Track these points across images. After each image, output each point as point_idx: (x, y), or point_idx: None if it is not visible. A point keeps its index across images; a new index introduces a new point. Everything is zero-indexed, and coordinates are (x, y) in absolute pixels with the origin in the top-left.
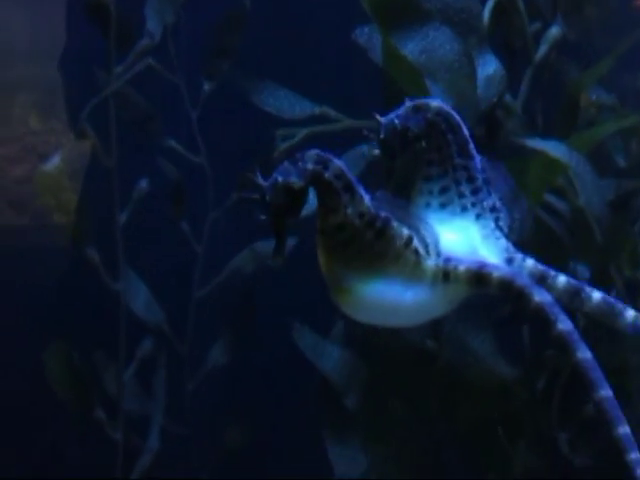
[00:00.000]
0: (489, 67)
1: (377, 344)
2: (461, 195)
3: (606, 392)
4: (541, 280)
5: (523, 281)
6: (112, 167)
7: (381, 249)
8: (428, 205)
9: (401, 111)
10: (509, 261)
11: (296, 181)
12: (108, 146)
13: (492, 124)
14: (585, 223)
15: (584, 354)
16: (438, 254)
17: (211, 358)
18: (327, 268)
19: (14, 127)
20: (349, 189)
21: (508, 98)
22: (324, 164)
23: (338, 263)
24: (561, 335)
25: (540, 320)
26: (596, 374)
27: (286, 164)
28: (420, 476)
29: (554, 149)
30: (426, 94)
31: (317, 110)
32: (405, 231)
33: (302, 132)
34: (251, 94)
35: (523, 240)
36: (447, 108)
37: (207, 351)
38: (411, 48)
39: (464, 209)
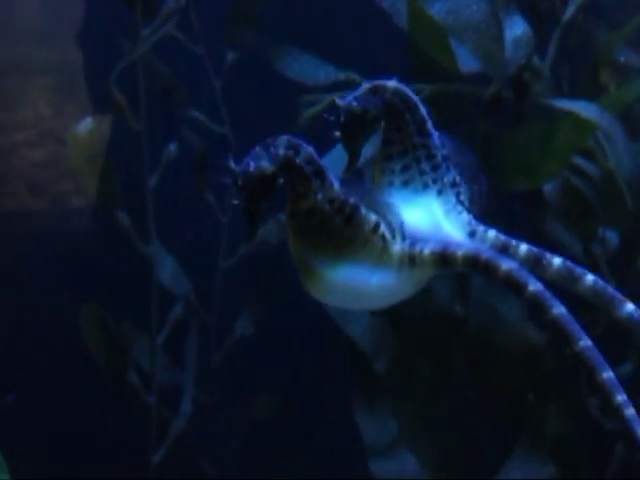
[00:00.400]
0: (517, 29)
1: (406, 310)
2: (422, 172)
3: (585, 342)
4: (503, 250)
5: (487, 254)
6: (141, 131)
7: (350, 234)
8: (391, 184)
9: (359, 93)
10: (472, 234)
11: (268, 166)
12: (136, 111)
13: (520, 86)
14: (615, 186)
15: (558, 309)
16: (404, 238)
17: (238, 328)
18: (296, 252)
19: (31, 112)
20: (319, 175)
21: (536, 60)
22: (295, 149)
23: (307, 247)
24: (534, 296)
25: (511, 287)
26: (573, 326)
27: (257, 149)
28: (450, 440)
29: (584, 110)
30: (452, 57)
31: (342, 75)
32: (373, 217)
33: (327, 98)
34: (274, 61)
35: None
36: (404, 88)
37: (234, 321)
38: (438, 9)
39: (426, 186)
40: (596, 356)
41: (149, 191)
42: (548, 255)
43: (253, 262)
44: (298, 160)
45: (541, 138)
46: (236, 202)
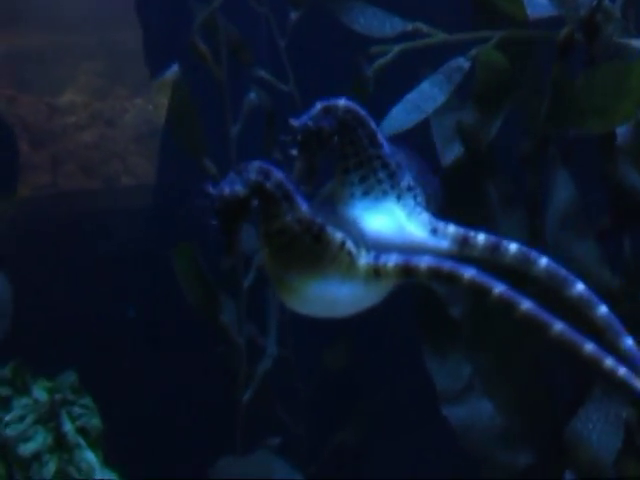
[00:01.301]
0: None
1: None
2: (379, 181)
3: (558, 325)
4: (464, 240)
5: (449, 264)
6: (223, 80)
7: (319, 251)
8: (352, 195)
9: (313, 113)
10: (434, 231)
11: (241, 190)
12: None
13: (592, 28)
14: None
15: (526, 304)
16: (368, 250)
17: (272, 309)
18: (271, 268)
19: (81, 95)
20: (288, 198)
21: (607, 3)
22: (265, 175)
23: (280, 264)
24: (500, 297)
25: (476, 292)
26: (543, 315)
27: (232, 174)
28: (527, 383)
29: None
30: (519, 3)
31: (409, 26)
32: (339, 235)
33: (395, 49)
34: (340, 14)
35: None
36: (353, 105)
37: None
38: None
39: (385, 193)
40: (573, 335)
41: (233, 140)
42: (504, 242)
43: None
44: (268, 184)
45: (615, 79)
46: (214, 223)
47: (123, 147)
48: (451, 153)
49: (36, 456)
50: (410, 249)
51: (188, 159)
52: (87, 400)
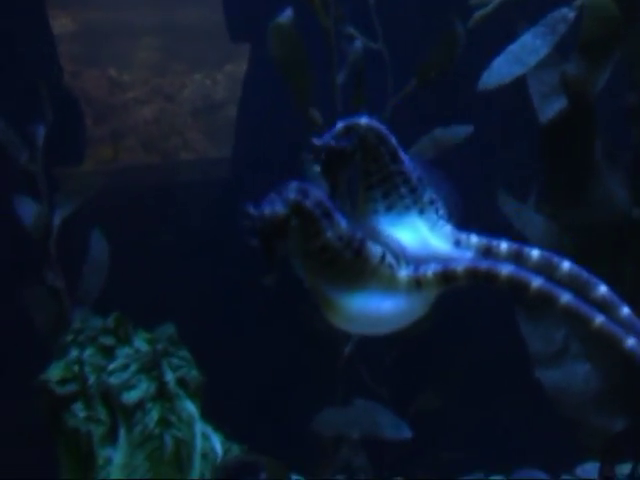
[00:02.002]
0: None
1: (581, 214)
2: (402, 197)
3: (600, 318)
4: (487, 250)
5: (485, 263)
6: (329, 27)
7: (360, 266)
8: (376, 211)
9: (335, 132)
10: (457, 243)
11: (281, 210)
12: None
13: None
14: None
15: (566, 297)
16: (407, 263)
17: None
18: (314, 287)
19: (140, 70)
20: (327, 215)
21: None
22: (304, 194)
23: (323, 281)
24: (540, 290)
25: (515, 287)
26: (585, 308)
27: (272, 195)
28: None
29: None
30: None
31: None
32: (379, 249)
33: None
34: None
35: None
36: (374, 123)
37: None
38: None
39: (407, 208)
40: (614, 328)
41: (338, 88)
42: (527, 248)
43: None
44: (307, 203)
45: None
46: (254, 243)
47: (182, 122)
48: (550, 109)
49: (139, 404)
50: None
51: (265, 129)
52: (185, 352)
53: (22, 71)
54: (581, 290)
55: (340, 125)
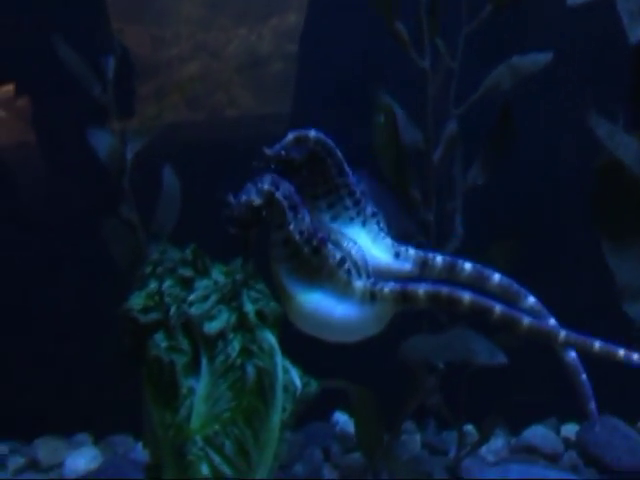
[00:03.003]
0: None
1: None
2: (346, 208)
3: (564, 332)
4: (424, 262)
5: (446, 289)
6: None
7: (317, 265)
8: (320, 221)
9: (285, 143)
10: (397, 255)
11: (256, 199)
12: None
13: None
14: None
15: (526, 320)
16: (368, 276)
17: (470, 177)
18: (275, 276)
19: (184, 26)
20: (294, 208)
21: None
22: (276, 185)
23: (284, 273)
24: (502, 316)
25: (477, 314)
26: (547, 327)
27: (248, 185)
28: None
29: None
30: None
31: None
32: (339, 253)
33: None
34: None
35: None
36: (323, 137)
37: (466, 170)
38: None
39: (351, 219)
40: (579, 337)
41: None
42: (460, 261)
43: (484, 109)
44: (277, 194)
45: None
46: (232, 231)
47: (226, 78)
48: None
49: (221, 334)
50: (377, 272)
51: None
52: (262, 285)
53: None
54: (511, 300)
55: (290, 136)
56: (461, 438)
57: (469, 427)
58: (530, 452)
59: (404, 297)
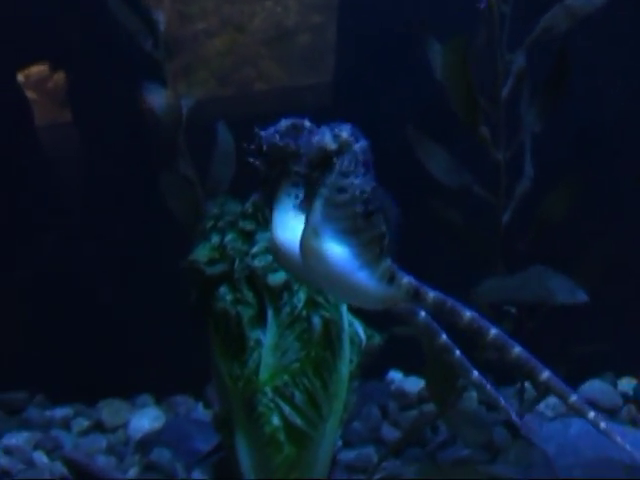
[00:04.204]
0: None
1: None
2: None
3: (546, 373)
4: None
5: (451, 301)
6: None
7: (360, 226)
8: (295, 207)
9: (280, 127)
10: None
11: (330, 143)
12: None
13: None
14: None
15: (517, 349)
16: (392, 262)
17: (526, 124)
18: (314, 215)
19: (210, 1)
20: (366, 165)
21: None
22: (356, 137)
23: (323, 214)
24: (494, 340)
25: (473, 333)
26: (533, 361)
27: (324, 128)
28: None
29: None
30: None
31: None
32: (384, 228)
33: None
34: None
35: None
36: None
37: (521, 117)
38: None
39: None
40: (559, 383)
41: None
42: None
43: (539, 52)
44: (356, 147)
45: None
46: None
47: (254, 52)
48: None
49: (286, 286)
50: None
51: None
52: None
53: None
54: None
55: (286, 122)
56: (522, 393)
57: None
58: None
59: (415, 293)
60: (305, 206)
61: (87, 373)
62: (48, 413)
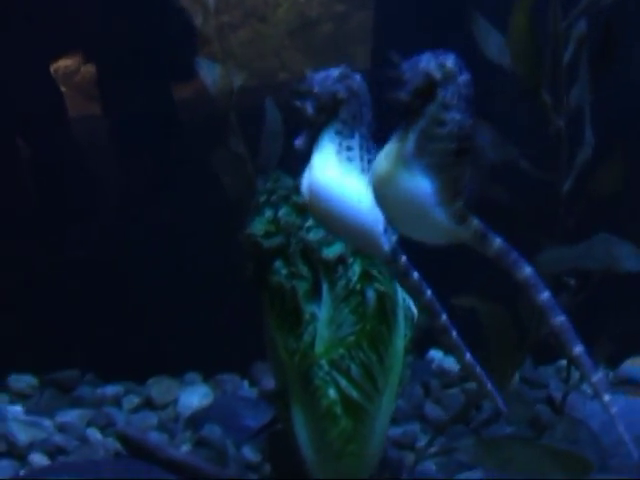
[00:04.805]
0: None
1: None
2: (361, 159)
3: (578, 348)
4: (482, 238)
5: (517, 255)
6: None
7: (448, 163)
8: (338, 152)
9: (333, 73)
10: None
11: (436, 72)
12: None
13: None
14: None
15: (561, 317)
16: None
17: (573, 98)
18: (408, 144)
19: None
20: (467, 101)
21: None
22: (461, 70)
23: (421, 148)
24: (543, 302)
25: (525, 288)
26: (571, 334)
27: (428, 54)
28: None
29: None
30: None
31: None
32: (468, 168)
33: None
34: None
35: None
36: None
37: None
38: None
39: (363, 171)
40: (587, 360)
41: None
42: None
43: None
44: (460, 78)
45: None
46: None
47: (278, 43)
48: None
49: (340, 259)
50: None
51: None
52: None
53: None
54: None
55: (336, 70)
56: (568, 371)
57: (562, 362)
58: (631, 385)
59: (482, 237)
60: (399, 134)
61: (136, 352)
62: (99, 391)
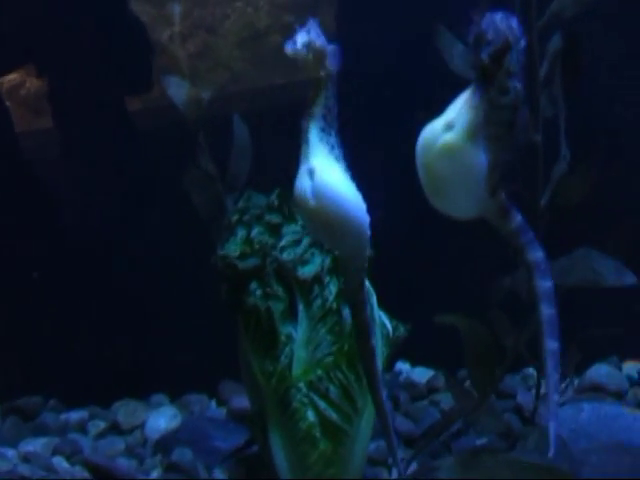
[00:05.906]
0: None
1: None
2: (341, 157)
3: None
4: (505, 213)
5: (529, 237)
6: None
7: (501, 135)
8: (330, 153)
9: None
10: None
11: (510, 34)
12: None
13: None
14: None
15: (551, 311)
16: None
17: (561, 106)
18: (477, 113)
19: (180, 4)
20: (523, 69)
21: None
22: (519, 39)
23: (486, 115)
24: (543, 291)
25: (531, 272)
26: (554, 332)
27: (501, 14)
28: None
29: None
30: None
31: None
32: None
33: None
34: None
35: None
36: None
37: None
38: None
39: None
40: (555, 358)
41: None
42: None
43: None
44: (522, 42)
45: None
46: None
47: (227, 54)
48: None
49: (316, 278)
50: None
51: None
52: None
53: None
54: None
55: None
56: (539, 380)
57: (529, 370)
58: (596, 391)
59: (506, 212)
60: (466, 104)
61: (100, 375)
62: (63, 417)
